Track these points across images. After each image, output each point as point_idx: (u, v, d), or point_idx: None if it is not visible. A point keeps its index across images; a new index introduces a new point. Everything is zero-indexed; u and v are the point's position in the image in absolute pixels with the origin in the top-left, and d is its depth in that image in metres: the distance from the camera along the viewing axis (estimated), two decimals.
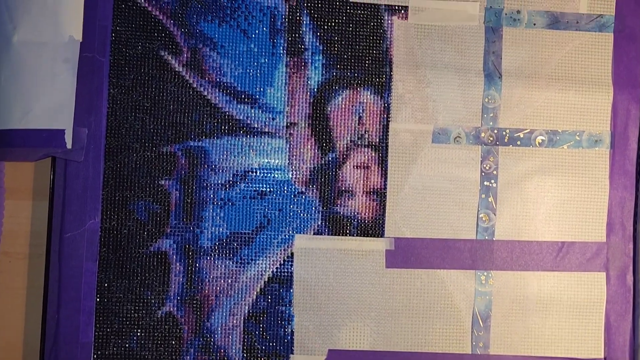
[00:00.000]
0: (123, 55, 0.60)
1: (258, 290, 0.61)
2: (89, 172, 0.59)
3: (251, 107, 0.62)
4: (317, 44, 0.63)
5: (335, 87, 0.63)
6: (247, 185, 0.62)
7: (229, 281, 0.61)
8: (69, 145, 0.58)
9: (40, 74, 0.58)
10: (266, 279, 0.61)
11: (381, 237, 0.63)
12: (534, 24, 0.65)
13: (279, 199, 0.62)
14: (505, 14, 0.65)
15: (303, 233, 0.62)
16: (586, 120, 0.65)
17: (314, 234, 0.62)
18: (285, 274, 0.61)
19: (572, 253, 0.65)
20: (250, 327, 0.61)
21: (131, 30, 0.61)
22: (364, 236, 0.63)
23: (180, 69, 0.61)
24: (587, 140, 0.65)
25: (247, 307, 0.61)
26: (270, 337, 0.61)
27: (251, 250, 0.61)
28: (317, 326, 0.61)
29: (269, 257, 0.61)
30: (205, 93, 0.61)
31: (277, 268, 0.61)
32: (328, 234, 0.62)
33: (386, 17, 0.64)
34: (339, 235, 0.62)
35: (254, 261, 0.61)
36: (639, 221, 0.65)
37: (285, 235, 0.62)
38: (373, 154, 0.63)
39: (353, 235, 0.62)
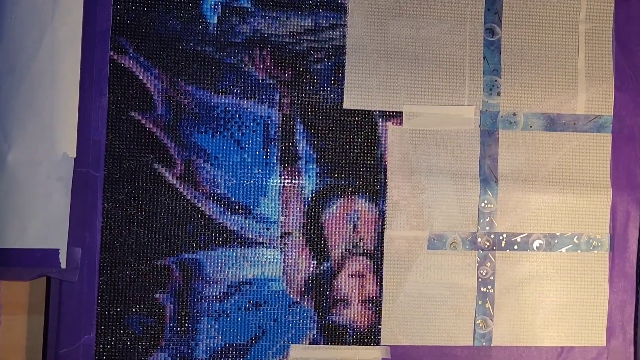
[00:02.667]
0: (117, 169, 0.60)
1: None
2: (83, 288, 0.60)
3: (245, 218, 0.62)
4: (311, 152, 0.62)
5: (329, 195, 0.63)
6: (241, 296, 0.61)
7: None
8: (63, 265, 0.58)
9: (34, 193, 0.59)
10: None
11: (377, 345, 0.62)
12: (531, 126, 0.65)
13: (274, 310, 0.62)
14: (501, 117, 0.64)
15: (298, 343, 0.62)
16: (585, 223, 0.65)
17: (309, 343, 0.62)
18: None
19: (571, 358, 0.64)
20: None
21: (125, 144, 0.61)
22: (360, 345, 0.62)
23: (174, 182, 0.61)
24: (586, 243, 0.65)
25: None
26: None
27: None
28: None
29: None
30: (199, 205, 0.61)
31: None
32: (324, 344, 0.62)
33: (380, 123, 0.63)
34: (334, 344, 0.62)
35: None
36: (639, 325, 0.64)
37: (280, 346, 0.62)
38: (368, 262, 0.63)
39: (349, 344, 0.62)
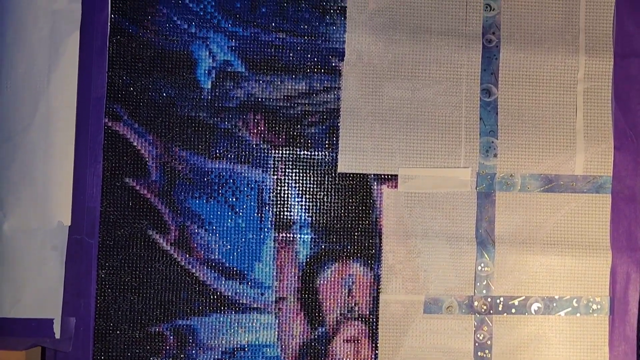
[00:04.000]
0: (111, 236, 0.61)
1: None
2: (78, 356, 0.60)
3: (239, 283, 0.62)
4: (306, 216, 0.62)
5: (324, 259, 0.62)
6: None
7: None
8: (57, 335, 0.59)
9: (29, 262, 0.59)
10: None
11: None
12: (528, 188, 0.64)
13: None
14: (499, 179, 0.64)
15: None
16: (584, 286, 0.64)
17: None
18: None
19: None
20: None
21: (119, 211, 0.61)
22: None
23: (169, 248, 0.61)
24: (585, 306, 0.64)
25: None
26: None
27: None
28: None
29: None
30: (194, 271, 0.61)
31: None
32: None
33: (375, 187, 0.63)
34: None
35: None
36: None
37: None
38: (363, 327, 0.62)
39: None
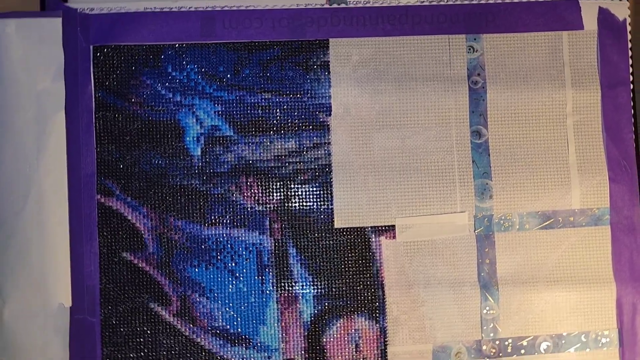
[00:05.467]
0: (113, 312, 0.60)
1: None
2: None
3: (246, 348, 0.61)
4: (306, 275, 0.62)
5: (329, 317, 0.62)
6: None
7: None
8: None
9: (32, 346, 0.59)
10: None
11: None
12: (527, 227, 0.64)
13: None
14: (496, 220, 0.63)
15: None
16: (591, 320, 0.64)
17: None
18: None
19: None
20: None
21: (119, 286, 0.61)
22: None
23: (172, 319, 0.61)
24: (594, 341, 0.63)
25: None
26: None
27: None
28: None
29: None
30: (199, 340, 0.61)
31: None
32: None
33: (373, 239, 0.63)
34: None
35: None
36: None
37: None
38: None
39: None
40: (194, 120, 0.62)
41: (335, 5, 0.63)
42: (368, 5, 0.63)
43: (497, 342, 0.63)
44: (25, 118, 0.60)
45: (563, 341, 0.63)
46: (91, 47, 0.61)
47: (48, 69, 0.60)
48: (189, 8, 0.62)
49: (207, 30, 0.62)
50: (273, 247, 0.62)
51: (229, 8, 0.62)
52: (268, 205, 0.62)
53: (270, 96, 0.62)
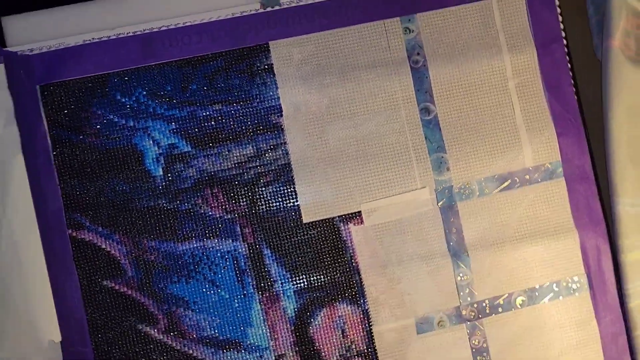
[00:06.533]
0: (104, 340, 0.62)
1: None
2: None
3: (237, 352, 0.63)
4: (284, 272, 0.64)
5: (312, 309, 0.64)
6: None
7: None
8: None
9: None
10: None
11: None
12: (486, 192, 0.66)
13: None
14: (456, 190, 0.66)
15: None
16: (560, 269, 0.67)
17: None
18: None
19: None
20: None
21: (106, 314, 0.62)
22: None
23: (161, 337, 0.63)
24: (566, 288, 0.66)
25: None
26: None
27: None
28: None
29: None
30: (191, 351, 0.63)
31: None
32: None
33: (343, 227, 0.65)
34: None
35: None
36: (637, 352, 0.66)
37: None
38: None
39: None
40: (151, 142, 0.63)
41: (269, 9, 0.64)
42: (301, 3, 0.65)
43: (475, 305, 0.66)
44: None
45: (536, 293, 0.66)
46: (37, 87, 0.62)
47: (0, 114, 0.61)
48: (127, 34, 0.63)
49: (148, 52, 0.63)
50: (248, 252, 0.64)
51: (166, 28, 0.63)
52: (236, 212, 0.64)
53: (220, 107, 0.64)
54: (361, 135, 0.65)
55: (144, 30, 0.63)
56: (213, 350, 0.63)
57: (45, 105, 0.62)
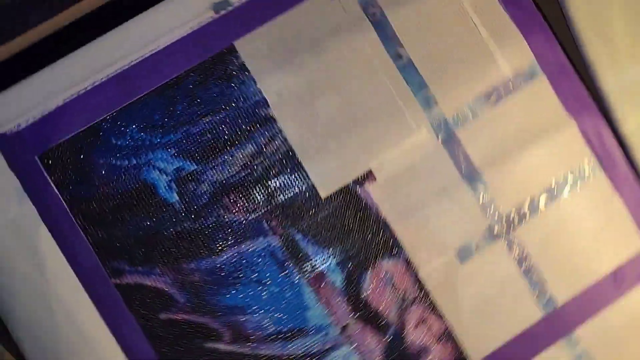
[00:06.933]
0: None
1: None
2: None
3: (304, 337, 0.66)
4: (320, 249, 0.67)
5: (357, 274, 0.67)
6: None
7: None
8: None
9: None
10: None
11: None
12: (478, 112, 0.69)
13: None
14: (450, 120, 0.68)
15: None
16: (569, 161, 0.70)
17: None
18: None
19: (626, 274, 0.69)
20: None
21: (172, 344, 0.65)
22: None
23: (230, 347, 0.65)
24: (580, 177, 0.70)
25: None
26: None
27: None
28: None
29: None
30: (261, 352, 0.66)
31: None
32: None
33: (359, 190, 0.67)
34: None
35: None
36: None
37: None
38: (422, 307, 0.68)
39: None
40: (158, 173, 0.65)
41: (222, 12, 0.66)
42: None
43: (504, 219, 0.69)
44: (9, 246, 0.62)
45: (556, 189, 0.69)
46: (36, 157, 0.64)
47: (9, 195, 0.62)
48: (102, 79, 0.64)
49: (126, 90, 0.65)
50: (281, 242, 0.67)
51: (135, 61, 0.65)
52: (259, 210, 0.66)
53: (210, 118, 0.66)
54: (347, 100, 0.67)
55: (116, 70, 0.64)
56: (281, 343, 0.66)
57: (49, 172, 0.64)
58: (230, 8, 0.67)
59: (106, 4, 0.66)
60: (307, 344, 0.66)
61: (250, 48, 0.67)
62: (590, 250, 0.69)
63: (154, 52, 0.66)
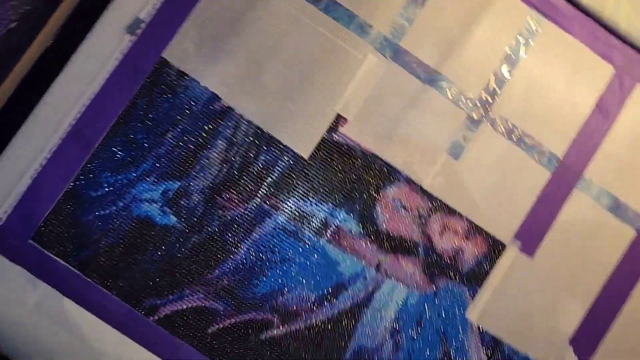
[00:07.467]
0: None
1: None
2: None
3: (345, 290, 0.68)
4: (325, 206, 0.68)
5: (368, 212, 0.68)
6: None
7: None
8: None
9: None
10: None
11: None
12: (411, 17, 0.69)
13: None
14: (390, 36, 0.69)
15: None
16: (513, 23, 0.70)
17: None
18: None
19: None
20: None
21: (231, 351, 0.66)
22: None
23: (284, 330, 0.67)
24: (529, 33, 0.70)
25: None
26: None
27: None
28: None
29: None
30: (313, 321, 0.68)
31: None
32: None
33: (336, 137, 0.68)
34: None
35: None
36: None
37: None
38: (440, 214, 0.69)
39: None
40: (147, 204, 0.66)
41: (138, 31, 0.66)
42: (157, 6, 0.67)
43: (478, 103, 0.70)
44: (42, 330, 0.63)
45: (512, 56, 0.70)
46: (30, 241, 0.64)
47: (22, 286, 0.63)
48: (57, 144, 0.65)
49: (84, 144, 0.66)
50: (286, 216, 0.67)
51: (80, 113, 0.66)
52: (254, 197, 0.67)
53: (172, 134, 0.67)
54: (289, 61, 0.68)
55: (66, 130, 0.65)
56: (328, 305, 0.67)
57: (48, 249, 0.65)
58: (143, 25, 0.67)
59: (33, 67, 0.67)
60: (351, 294, 0.68)
61: (179, 53, 0.67)
62: (567, 96, 0.71)
63: (92, 98, 0.66)
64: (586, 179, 0.70)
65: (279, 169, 0.67)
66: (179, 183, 0.66)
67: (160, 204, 0.66)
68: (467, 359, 0.68)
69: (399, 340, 0.68)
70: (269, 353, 0.66)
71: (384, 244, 0.68)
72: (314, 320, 0.67)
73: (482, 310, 0.68)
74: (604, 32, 0.71)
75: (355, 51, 0.68)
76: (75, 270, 0.65)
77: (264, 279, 0.67)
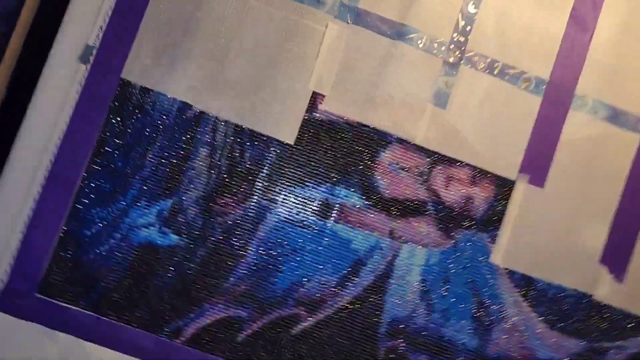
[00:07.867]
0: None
1: None
2: None
3: (364, 266, 0.66)
4: (323, 186, 0.66)
5: (369, 182, 0.67)
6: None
7: None
8: None
9: None
10: None
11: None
12: None
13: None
14: (345, 1, 0.67)
15: None
16: None
17: None
18: None
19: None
20: None
21: (268, 352, 0.64)
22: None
23: (313, 319, 0.66)
24: None
25: None
26: None
27: None
28: None
29: None
30: (339, 304, 0.66)
31: None
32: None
33: (318, 114, 0.66)
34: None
35: None
36: None
37: None
38: (442, 167, 0.67)
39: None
40: (145, 229, 0.64)
41: (91, 57, 0.64)
42: (104, 28, 0.65)
43: (451, 45, 0.67)
44: None
45: None
46: (36, 294, 0.63)
47: (40, 341, 0.62)
48: (38, 192, 0.63)
49: (64, 186, 0.64)
50: (288, 206, 0.66)
51: (55, 154, 0.63)
52: (251, 196, 0.65)
53: (151, 153, 0.65)
54: (250, 50, 0.66)
55: (45, 175, 0.63)
56: (351, 285, 0.66)
57: (56, 298, 0.64)
58: (94, 51, 0.65)
59: None
60: (372, 269, 0.66)
61: (138, 69, 0.65)
62: (540, 15, 0.68)
63: (62, 137, 0.64)
64: (579, 95, 0.68)
65: (268, 161, 0.65)
66: (171, 200, 0.64)
67: (157, 225, 0.64)
68: (502, 303, 0.66)
69: (430, 301, 0.66)
70: (304, 347, 0.65)
71: (391, 210, 0.66)
72: (340, 304, 0.65)
73: (505, 251, 0.66)
74: None
75: (315, 24, 0.66)
76: (89, 312, 0.63)
77: (280, 274, 0.65)
